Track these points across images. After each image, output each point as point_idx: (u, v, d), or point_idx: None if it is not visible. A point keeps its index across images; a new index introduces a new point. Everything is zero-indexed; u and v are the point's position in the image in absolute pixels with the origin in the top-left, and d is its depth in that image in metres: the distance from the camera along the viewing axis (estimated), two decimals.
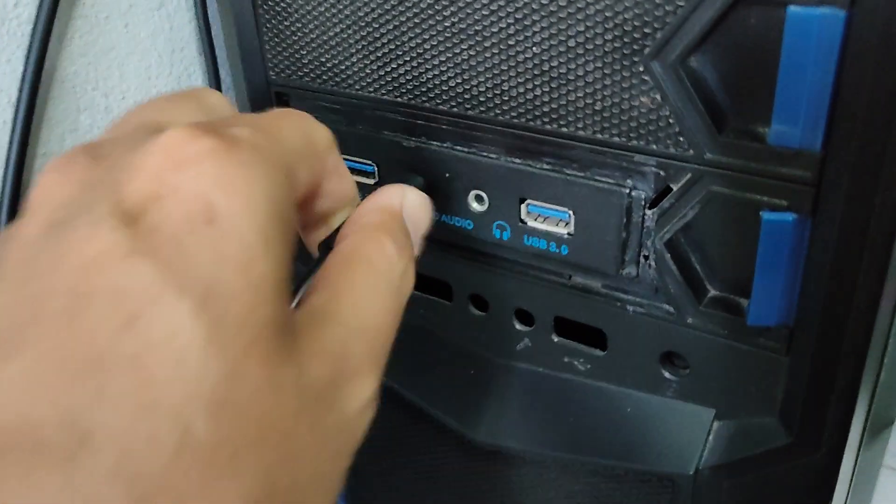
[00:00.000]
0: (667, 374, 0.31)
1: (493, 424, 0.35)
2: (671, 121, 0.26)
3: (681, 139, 0.26)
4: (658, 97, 0.26)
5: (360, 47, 0.32)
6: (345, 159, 0.35)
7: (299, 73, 0.34)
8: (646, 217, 0.28)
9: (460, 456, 0.37)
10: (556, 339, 0.33)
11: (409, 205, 0.24)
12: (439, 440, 0.39)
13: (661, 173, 0.27)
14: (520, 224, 0.31)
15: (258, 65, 0.35)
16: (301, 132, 0.20)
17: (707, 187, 0.26)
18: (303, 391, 0.15)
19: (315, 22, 0.32)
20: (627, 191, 0.28)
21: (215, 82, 0.39)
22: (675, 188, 0.27)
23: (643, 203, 0.28)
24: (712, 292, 0.29)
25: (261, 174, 0.16)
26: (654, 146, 0.27)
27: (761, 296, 0.27)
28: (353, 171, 0.35)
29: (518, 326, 0.34)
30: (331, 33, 0.32)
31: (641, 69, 0.26)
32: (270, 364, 0.14)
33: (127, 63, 0.37)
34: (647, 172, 0.28)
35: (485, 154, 0.31)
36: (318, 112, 0.35)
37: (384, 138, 0.33)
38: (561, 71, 0.27)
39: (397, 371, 0.38)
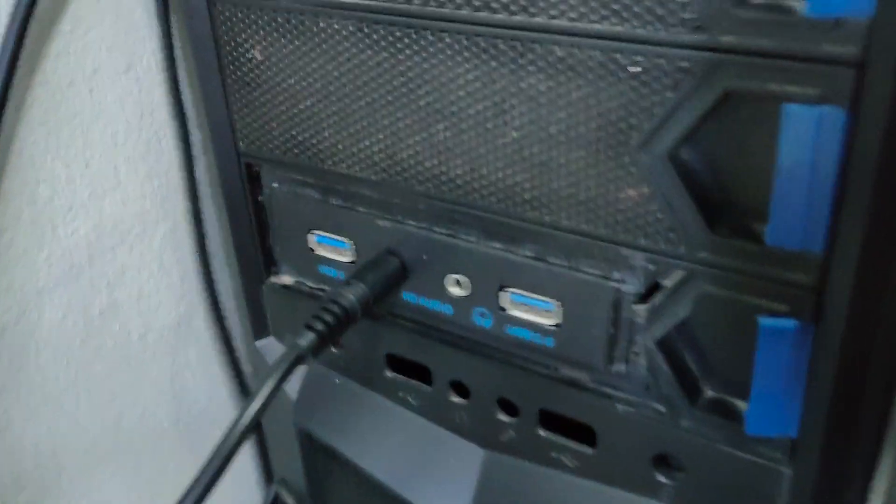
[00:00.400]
0: (660, 478, 0.28)
1: None
2: (660, 215, 0.24)
3: (671, 235, 0.24)
4: (646, 190, 0.24)
5: (331, 122, 0.30)
6: (318, 234, 0.34)
7: (270, 146, 0.32)
8: (635, 313, 0.26)
9: None
10: (542, 432, 0.31)
11: None
12: None
13: (651, 268, 0.25)
14: (501, 312, 0.29)
15: (227, 134, 0.33)
16: None
17: (700, 287, 0.24)
18: None
19: (285, 94, 0.30)
20: (615, 285, 0.26)
21: (185, 148, 0.38)
22: (666, 285, 0.25)
23: (632, 298, 0.26)
24: (708, 393, 0.27)
25: None
26: (643, 240, 0.25)
27: (760, 405, 0.24)
28: (328, 247, 0.33)
29: (502, 417, 0.32)
30: (301, 106, 0.30)
31: (628, 160, 0.24)
32: None
33: (91, 129, 0.35)
34: (636, 267, 0.25)
35: (464, 237, 0.29)
36: (290, 185, 0.33)
37: (359, 215, 0.31)
38: (542, 158, 0.25)
39: (375, 458, 0.36)
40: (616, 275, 0.26)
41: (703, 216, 0.23)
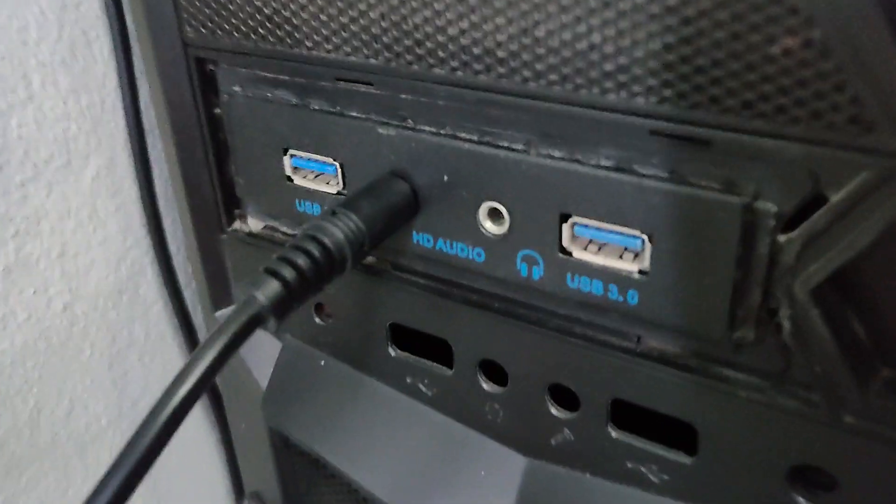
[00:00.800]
0: (800, 500, 0.19)
1: None
2: (838, 77, 0.15)
3: (855, 110, 0.15)
4: (816, 34, 0.15)
5: None
6: (295, 156, 0.25)
7: (226, 28, 0.23)
8: (778, 246, 0.17)
9: None
10: (613, 433, 0.21)
11: None
12: None
13: (810, 171, 0.16)
14: (560, 255, 0.20)
15: (168, 19, 0.24)
16: None
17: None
18: None
19: None
20: (748, 201, 0.17)
21: (122, 48, 0.28)
22: (834, 198, 0.16)
23: (774, 223, 0.17)
24: (887, 372, 0.17)
25: None
26: (803, 124, 0.15)
27: None
28: (308, 172, 0.24)
29: (554, 411, 0.22)
30: None
31: None
32: None
33: None
34: (786, 170, 0.16)
35: (505, 144, 0.20)
36: (255, 86, 0.24)
37: (351, 123, 0.22)
38: (638, 1, 0.16)
39: (371, 470, 0.26)
40: (749, 187, 0.17)
41: None
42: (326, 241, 0.19)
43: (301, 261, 0.19)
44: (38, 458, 0.30)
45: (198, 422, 0.36)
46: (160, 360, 0.34)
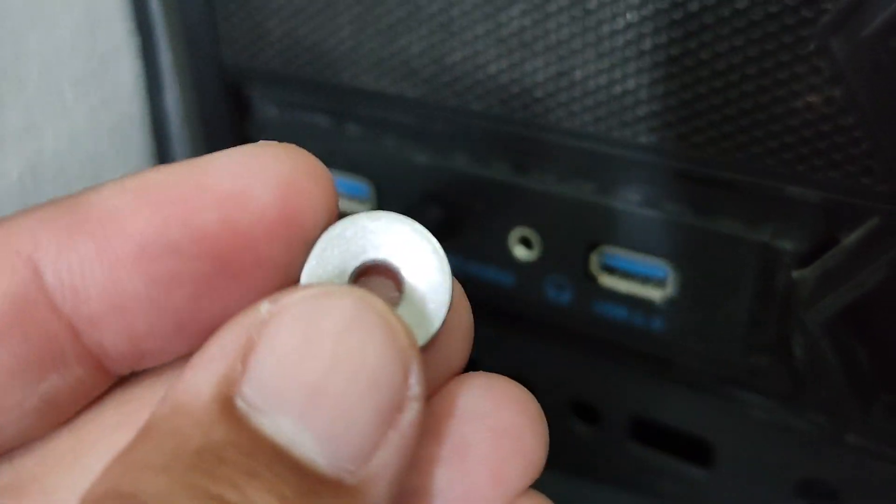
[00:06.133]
0: None
1: None
2: (855, 133, 0.16)
3: (868, 162, 0.16)
4: (836, 93, 0.16)
5: (355, 12, 0.21)
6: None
7: (266, 53, 0.24)
8: (793, 281, 0.18)
9: None
10: (633, 446, 0.23)
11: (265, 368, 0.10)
12: None
13: (825, 215, 0.17)
14: (588, 282, 0.21)
15: (207, 42, 0.25)
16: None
17: None
18: None
19: None
20: (766, 240, 0.18)
21: (150, 68, 0.29)
22: (845, 240, 0.17)
23: (791, 260, 0.18)
24: (886, 396, 0.19)
25: None
26: (820, 173, 0.17)
27: None
28: (342, 195, 0.25)
29: (576, 425, 0.24)
30: None
31: (812, 49, 0.16)
32: None
33: (26, 39, 0.26)
34: (803, 213, 0.18)
35: (538, 176, 0.21)
36: (291, 110, 0.25)
37: (385, 149, 0.23)
38: (672, 52, 0.17)
39: None
40: (768, 226, 0.18)
41: None
42: None
43: None
44: None
45: None
46: None
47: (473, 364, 0.26)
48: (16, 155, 0.27)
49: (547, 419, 0.24)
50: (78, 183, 0.29)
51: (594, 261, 0.21)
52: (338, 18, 0.22)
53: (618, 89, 0.18)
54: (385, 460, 0.09)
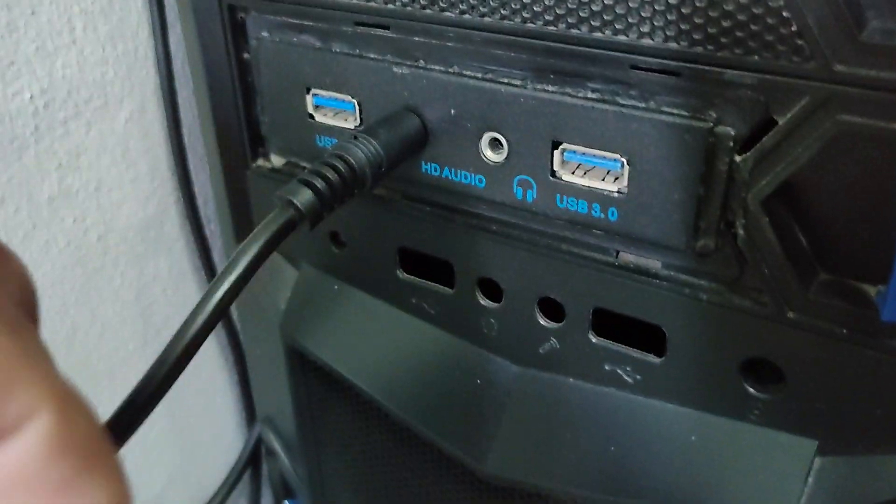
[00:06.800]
0: (751, 390, 0.22)
1: (506, 453, 0.26)
2: (785, 14, 0.18)
3: (798, 42, 0.18)
4: None
5: None
6: (317, 95, 0.27)
7: None
8: (735, 164, 0.20)
9: (464, 493, 0.29)
10: (594, 339, 0.24)
11: None
12: (437, 472, 0.31)
13: (762, 98, 0.19)
14: (551, 179, 0.23)
15: None
16: None
17: (834, 116, 0.18)
18: None
19: None
20: (710, 126, 0.20)
21: (157, 5, 0.31)
22: (781, 121, 0.19)
23: (732, 143, 0.20)
24: (824, 276, 0.21)
25: None
26: (756, 56, 0.18)
27: None
28: (328, 109, 0.26)
29: (542, 322, 0.25)
30: None
31: None
32: None
33: None
34: (741, 98, 0.19)
35: (506, 80, 0.22)
36: (282, 31, 0.26)
37: (368, 63, 0.25)
38: None
39: (380, 381, 0.29)
40: (711, 113, 0.20)
41: (848, 8, 0.17)
42: (351, 159, 0.22)
43: (329, 174, 0.21)
44: (71, 375, 0.33)
45: (213, 353, 0.39)
46: (182, 294, 0.37)
47: (447, 265, 0.27)
48: (29, 76, 0.29)
49: (515, 316, 0.26)
50: (86, 106, 0.31)
51: (556, 158, 0.22)
52: None
53: None
54: None
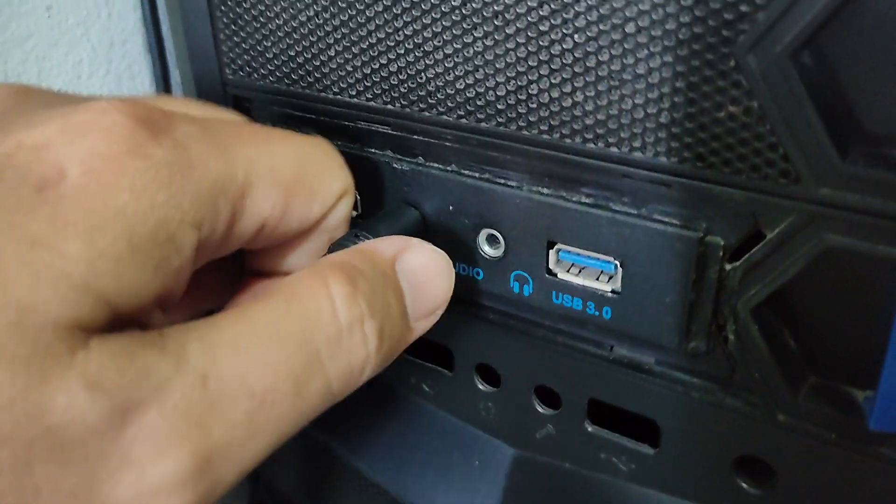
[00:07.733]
0: (744, 486, 0.23)
1: None
2: (772, 139, 0.18)
3: (785, 165, 0.18)
4: (754, 104, 0.18)
5: (339, 36, 0.24)
6: None
7: (262, 72, 0.26)
8: (725, 272, 0.20)
9: None
10: (590, 427, 0.25)
11: (412, 262, 0.20)
12: None
13: (751, 213, 0.20)
14: (547, 276, 0.23)
15: (210, 61, 0.27)
16: (291, 165, 0.20)
17: (819, 235, 0.19)
18: (55, 432, 0.12)
19: (281, 4, 0.25)
20: (700, 235, 0.20)
21: (164, 84, 0.32)
22: (769, 235, 0.19)
23: (722, 253, 0.20)
24: (814, 379, 0.21)
25: (145, 184, 0.15)
26: (744, 175, 0.19)
27: (891, 393, 0.19)
28: None
29: (539, 408, 0.26)
30: (302, 18, 0.25)
31: (732, 65, 0.18)
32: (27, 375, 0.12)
33: (49, 56, 0.29)
34: (730, 210, 0.20)
35: (502, 181, 0.23)
36: (286, 123, 0.27)
37: (369, 158, 0.25)
38: (613, 68, 0.20)
39: (378, 456, 0.30)
40: (702, 224, 0.20)
41: (830, 139, 0.18)
42: None
43: None
44: None
45: None
46: None
47: (446, 352, 0.28)
48: None
49: (513, 402, 0.26)
50: None
51: (552, 257, 0.23)
52: (325, 40, 0.24)
53: (568, 102, 0.21)
54: (425, 325, 0.20)
